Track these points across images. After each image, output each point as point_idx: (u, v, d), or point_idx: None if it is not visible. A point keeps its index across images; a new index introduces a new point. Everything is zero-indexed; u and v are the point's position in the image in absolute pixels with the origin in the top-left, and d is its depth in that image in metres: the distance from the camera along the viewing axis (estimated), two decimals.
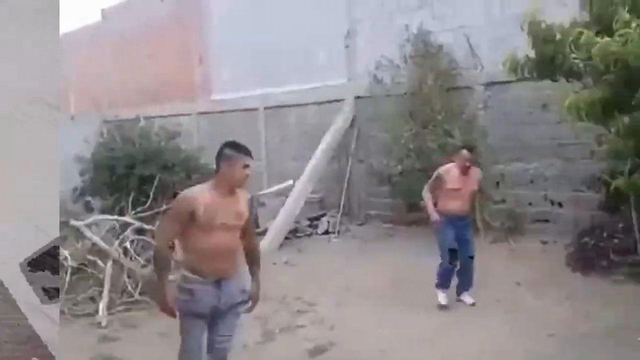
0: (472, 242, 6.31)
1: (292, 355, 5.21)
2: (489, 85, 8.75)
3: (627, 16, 4.08)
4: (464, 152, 6.11)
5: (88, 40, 17.67)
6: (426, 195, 6.20)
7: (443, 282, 6.22)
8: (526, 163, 8.39)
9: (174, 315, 3.54)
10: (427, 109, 8.71)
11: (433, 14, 9.49)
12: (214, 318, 3.59)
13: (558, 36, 4.73)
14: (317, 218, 10.47)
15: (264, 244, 9.24)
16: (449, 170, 6.16)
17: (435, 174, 6.23)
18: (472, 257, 6.25)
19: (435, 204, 6.17)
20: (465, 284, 6.31)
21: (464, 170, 6.09)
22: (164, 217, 3.72)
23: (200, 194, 3.48)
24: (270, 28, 12.26)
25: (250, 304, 3.75)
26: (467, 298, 6.27)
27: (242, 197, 3.67)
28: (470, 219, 6.49)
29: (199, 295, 3.49)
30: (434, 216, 6.11)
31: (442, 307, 6.12)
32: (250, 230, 3.84)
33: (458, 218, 6.13)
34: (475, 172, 6.29)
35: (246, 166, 3.61)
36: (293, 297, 6.79)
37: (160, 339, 5.56)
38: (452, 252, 6.10)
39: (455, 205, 6.11)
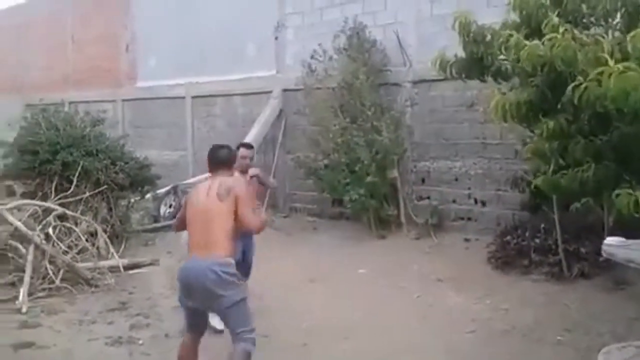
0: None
1: (213, 344, 4.96)
2: (417, 82, 8.81)
3: (556, 20, 4.15)
4: (241, 150, 5.72)
5: (13, 22, 17.02)
6: None
7: None
8: (451, 161, 8.51)
9: None
10: (357, 104, 8.68)
11: (364, 9, 9.47)
12: None
13: (488, 37, 4.77)
14: None
15: (185, 235, 8.99)
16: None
17: None
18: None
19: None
20: None
21: (244, 172, 5.64)
22: None
23: None
24: (200, 17, 11.98)
25: None
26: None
27: None
28: None
29: None
30: None
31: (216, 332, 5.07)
32: None
33: None
34: (251, 173, 5.78)
35: None
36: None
37: (80, 325, 5.62)
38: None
39: None
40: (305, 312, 5.90)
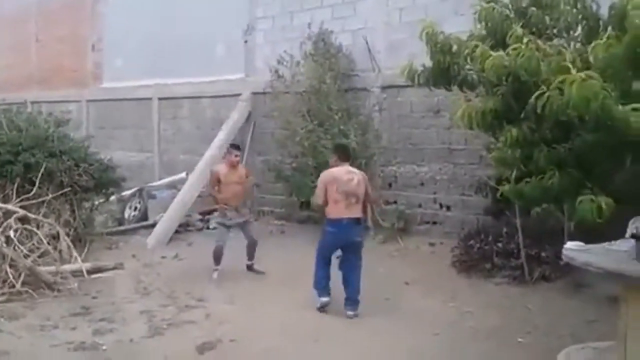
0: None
1: (179, 351, 5.08)
2: (385, 88, 8.92)
3: (520, 32, 4.26)
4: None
5: None
6: None
7: None
8: (418, 166, 8.64)
9: None
10: (324, 108, 8.74)
11: (333, 14, 9.54)
12: None
13: (454, 48, 4.87)
14: (209, 212, 10.24)
15: (153, 237, 8.94)
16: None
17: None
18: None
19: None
20: None
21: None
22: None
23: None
24: (169, 18, 11.90)
25: None
26: None
27: None
28: None
29: None
30: None
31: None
32: None
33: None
34: None
35: None
36: (182, 291, 6.67)
37: (41, 331, 5.49)
38: None
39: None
40: (272, 316, 5.91)
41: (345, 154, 6.07)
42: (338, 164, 5.97)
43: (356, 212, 5.90)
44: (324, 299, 5.97)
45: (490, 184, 6.90)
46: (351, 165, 6.12)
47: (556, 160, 4.25)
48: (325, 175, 5.96)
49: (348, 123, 8.63)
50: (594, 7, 4.65)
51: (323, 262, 6.07)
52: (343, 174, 5.89)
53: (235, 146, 7.54)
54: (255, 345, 5.22)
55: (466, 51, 4.58)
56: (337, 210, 5.83)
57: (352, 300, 5.95)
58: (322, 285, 6.02)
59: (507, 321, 5.64)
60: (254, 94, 10.45)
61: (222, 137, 10.22)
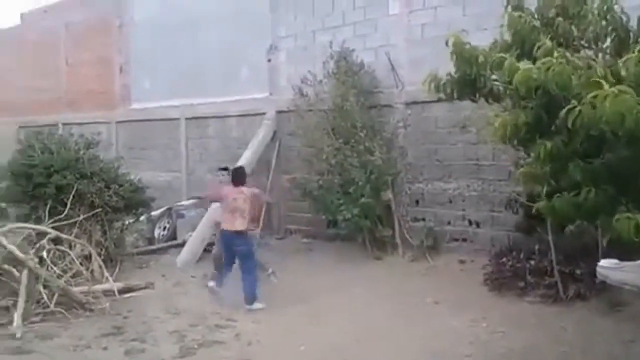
0: None
1: None
2: (409, 104, 8.87)
3: (549, 44, 4.18)
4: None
5: (5, 44, 17.18)
6: None
7: None
8: (445, 182, 8.55)
9: None
10: (348, 126, 8.73)
11: (355, 32, 9.56)
12: None
13: (481, 58, 4.78)
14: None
15: (182, 256, 8.97)
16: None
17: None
18: None
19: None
20: None
21: None
22: None
23: None
24: (195, 39, 12.09)
25: None
26: None
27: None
28: None
29: None
30: None
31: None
32: None
33: None
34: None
35: None
36: (211, 311, 6.70)
37: (74, 351, 5.54)
38: None
39: None
40: (300, 336, 5.87)
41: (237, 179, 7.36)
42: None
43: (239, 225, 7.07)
44: (211, 283, 7.24)
45: (521, 200, 6.77)
46: None
47: (591, 175, 4.13)
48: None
49: (373, 140, 8.60)
50: (624, 18, 4.55)
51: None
52: (234, 193, 7.18)
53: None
54: None
55: (493, 61, 4.49)
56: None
57: (246, 297, 6.90)
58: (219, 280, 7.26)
59: (542, 341, 5.51)
60: (279, 112, 10.50)
61: (248, 155, 10.26)
